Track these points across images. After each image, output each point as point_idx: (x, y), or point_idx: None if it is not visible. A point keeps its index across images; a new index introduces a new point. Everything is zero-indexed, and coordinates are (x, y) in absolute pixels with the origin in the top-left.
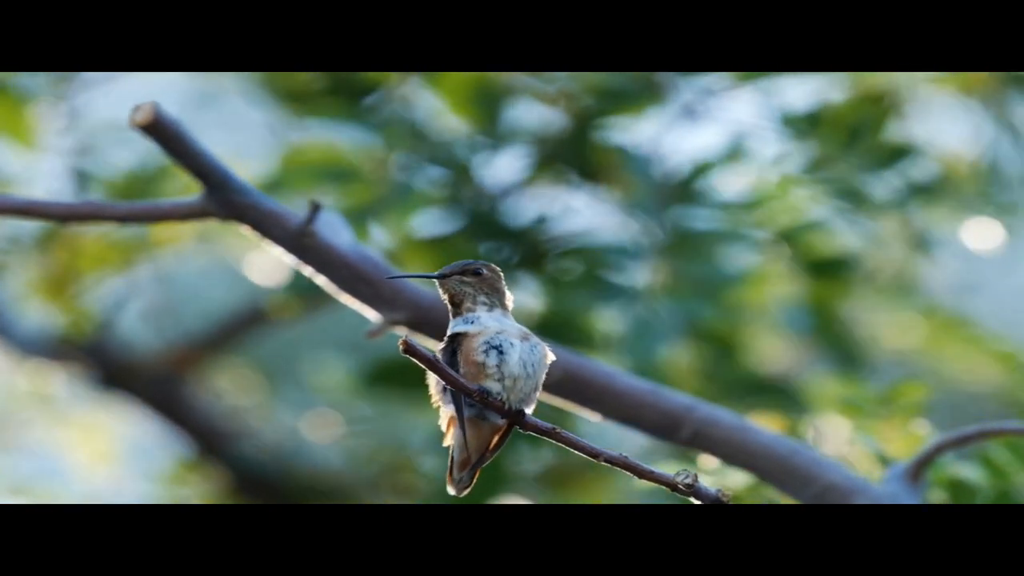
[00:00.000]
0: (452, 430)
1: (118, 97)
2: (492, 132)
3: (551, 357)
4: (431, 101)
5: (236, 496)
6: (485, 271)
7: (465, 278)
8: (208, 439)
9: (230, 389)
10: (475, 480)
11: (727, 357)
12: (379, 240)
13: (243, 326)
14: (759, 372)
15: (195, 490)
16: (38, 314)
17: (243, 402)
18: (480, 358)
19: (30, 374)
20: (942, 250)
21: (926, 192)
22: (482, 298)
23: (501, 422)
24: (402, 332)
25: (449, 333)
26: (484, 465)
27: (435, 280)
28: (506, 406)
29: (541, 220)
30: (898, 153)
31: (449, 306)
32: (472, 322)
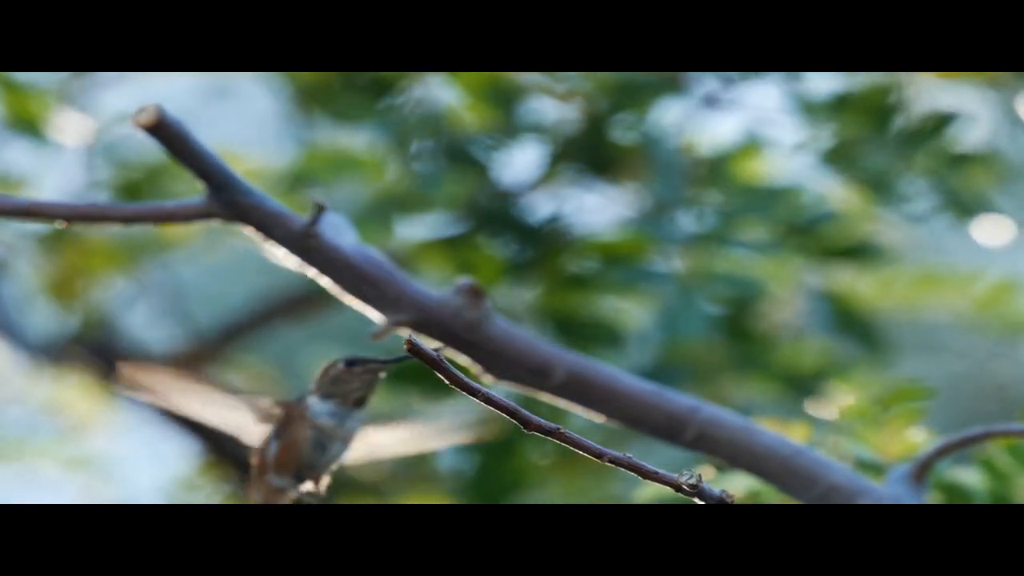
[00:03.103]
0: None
1: (133, 90)
2: (507, 129)
3: None
4: (447, 99)
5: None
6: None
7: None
8: (219, 438)
9: (240, 387)
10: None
11: (755, 346)
12: (398, 241)
13: (254, 323)
14: (787, 362)
15: (207, 491)
16: (46, 313)
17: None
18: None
19: (37, 374)
20: (985, 215)
21: (966, 160)
22: None
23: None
24: (406, 333)
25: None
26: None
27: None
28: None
29: (557, 216)
30: (933, 125)
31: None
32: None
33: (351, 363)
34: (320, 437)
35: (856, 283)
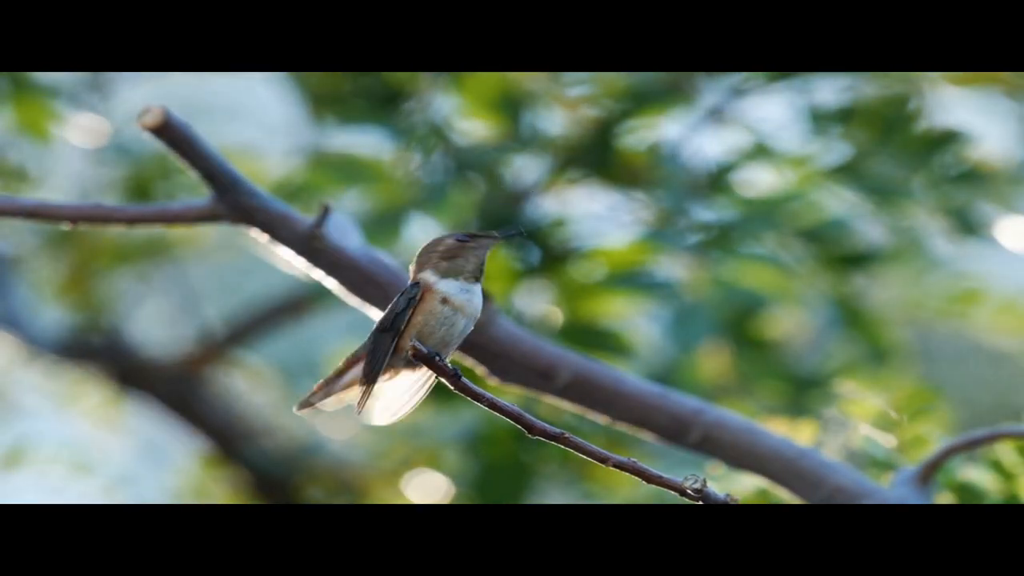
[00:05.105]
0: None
1: (144, 90)
2: (515, 135)
3: None
4: (455, 106)
5: (254, 496)
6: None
7: None
8: (225, 438)
9: (247, 387)
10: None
11: (764, 353)
12: (408, 244)
13: (261, 323)
14: (796, 369)
15: (215, 490)
16: (54, 312)
17: (260, 400)
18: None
19: (44, 371)
20: (989, 233)
21: (971, 178)
22: None
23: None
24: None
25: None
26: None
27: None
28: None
29: (563, 222)
30: (939, 141)
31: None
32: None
33: (463, 239)
34: (450, 312)
35: (886, 293)
